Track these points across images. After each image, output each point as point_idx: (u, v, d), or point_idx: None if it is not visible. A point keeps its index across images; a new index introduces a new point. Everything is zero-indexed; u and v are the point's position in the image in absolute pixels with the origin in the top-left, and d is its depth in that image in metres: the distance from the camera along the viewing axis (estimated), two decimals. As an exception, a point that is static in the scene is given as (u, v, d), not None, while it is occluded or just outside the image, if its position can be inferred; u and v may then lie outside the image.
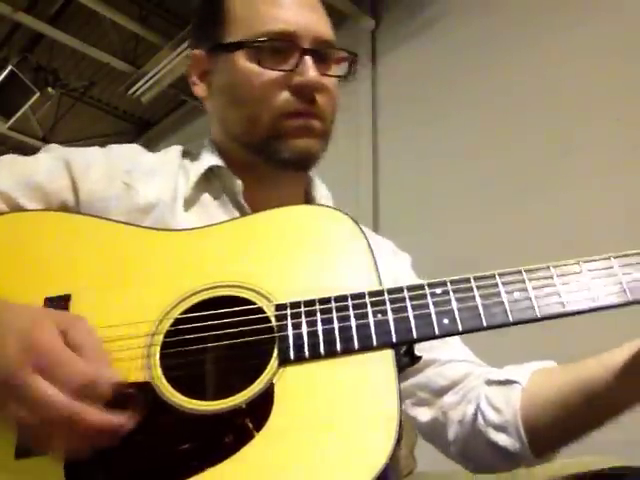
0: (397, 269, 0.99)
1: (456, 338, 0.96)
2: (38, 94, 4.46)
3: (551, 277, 0.68)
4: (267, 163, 0.90)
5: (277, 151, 0.88)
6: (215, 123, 0.97)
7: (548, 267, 0.69)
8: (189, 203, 0.90)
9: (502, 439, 0.84)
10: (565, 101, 2.69)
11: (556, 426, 0.82)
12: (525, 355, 0.96)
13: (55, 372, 0.59)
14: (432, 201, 3.15)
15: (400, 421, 0.61)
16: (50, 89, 4.56)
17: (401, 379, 0.91)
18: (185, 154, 0.98)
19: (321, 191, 1.01)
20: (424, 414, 0.92)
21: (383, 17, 3.79)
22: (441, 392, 0.91)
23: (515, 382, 0.86)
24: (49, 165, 0.87)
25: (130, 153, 0.95)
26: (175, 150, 0.99)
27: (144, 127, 5.89)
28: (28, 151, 0.93)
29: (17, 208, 0.84)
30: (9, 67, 4.32)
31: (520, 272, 0.69)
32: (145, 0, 4.31)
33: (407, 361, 0.70)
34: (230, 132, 0.94)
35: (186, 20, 4.05)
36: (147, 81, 4.36)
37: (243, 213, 0.90)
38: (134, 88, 4.46)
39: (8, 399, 0.60)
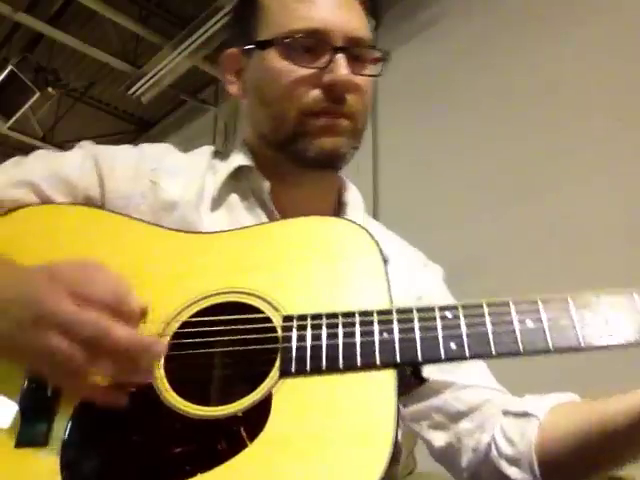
0: (425, 282, 0.98)
1: (479, 362, 0.94)
2: (38, 94, 4.45)
3: (568, 309, 0.65)
4: (293, 162, 0.89)
5: (303, 150, 0.87)
6: (248, 122, 0.97)
7: (565, 298, 0.66)
8: (216, 203, 0.90)
9: (514, 472, 0.82)
10: (566, 100, 2.69)
11: (573, 462, 0.79)
12: (549, 379, 0.92)
13: (84, 291, 0.63)
14: (432, 201, 3.15)
15: (395, 444, 0.60)
16: (50, 89, 4.56)
17: (417, 399, 0.90)
18: (216, 154, 0.98)
19: (353, 196, 0.99)
20: (439, 439, 0.90)
21: (383, 17, 3.79)
22: (457, 417, 0.89)
23: (532, 415, 0.83)
24: (79, 161, 0.90)
25: (159, 152, 0.95)
26: (206, 150, 0.99)
27: (144, 127, 5.89)
28: (28, 151, 0.94)
29: (46, 199, 0.86)
30: (9, 67, 4.32)
31: (535, 301, 0.66)
32: (145, 0, 4.31)
33: (413, 382, 0.69)
34: (259, 131, 0.93)
35: (186, 20, 4.05)
36: (147, 81, 4.36)
37: (270, 215, 0.90)
38: (134, 88, 4.46)
39: (41, 330, 0.62)
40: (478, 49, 3.14)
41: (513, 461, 0.83)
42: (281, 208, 0.90)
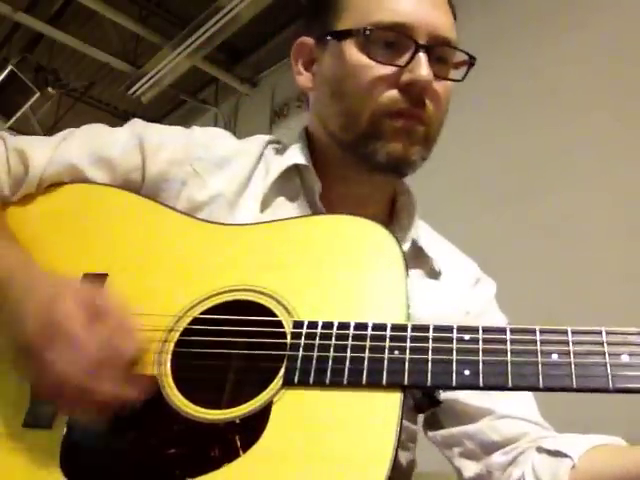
0: (476, 299, 0.94)
1: None
2: (38, 94, 4.47)
3: (601, 343, 0.59)
4: (359, 164, 0.85)
5: (372, 152, 0.82)
6: (313, 116, 0.92)
7: (600, 331, 0.60)
8: (265, 201, 0.86)
9: None
10: (566, 101, 2.69)
11: None
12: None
13: (68, 350, 0.63)
14: (432, 201, 3.14)
15: (391, 470, 0.58)
16: (50, 89, 4.57)
17: (451, 423, 0.86)
18: (270, 144, 0.94)
19: (407, 200, 0.94)
20: (469, 469, 0.86)
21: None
22: (491, 449, 0.84)
23: (566, 455, 0.77)
24: (124, 142, 0.88)
25: (209, 138, 0.92)
26: (259, 140, 0.95)
27: (144, 127, 5.89)
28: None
29: (83, 179, 0.86)
30: (9, 67, 4.33)
31: (565, 331, 0.61)
32: (145, 0, 4.31)
33: (426, 403, 0.65)
34: (326, 127, 0.88)
35: (186, 20, 4.06)
36: (147, 81, 4.36)
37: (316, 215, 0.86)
38: (134, 88, 4.46)
39: (26, 364, 0.64)
40: (478, 50, 3.13)
41: None
42: (331, 210, 0.86)
